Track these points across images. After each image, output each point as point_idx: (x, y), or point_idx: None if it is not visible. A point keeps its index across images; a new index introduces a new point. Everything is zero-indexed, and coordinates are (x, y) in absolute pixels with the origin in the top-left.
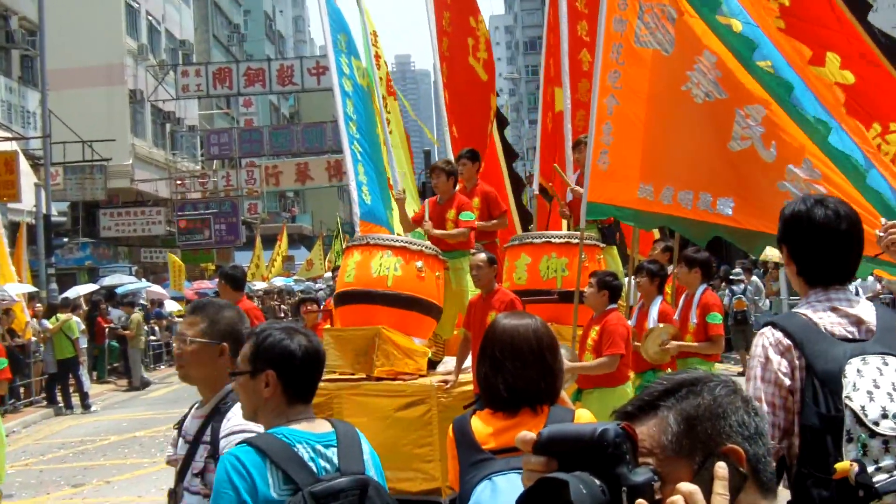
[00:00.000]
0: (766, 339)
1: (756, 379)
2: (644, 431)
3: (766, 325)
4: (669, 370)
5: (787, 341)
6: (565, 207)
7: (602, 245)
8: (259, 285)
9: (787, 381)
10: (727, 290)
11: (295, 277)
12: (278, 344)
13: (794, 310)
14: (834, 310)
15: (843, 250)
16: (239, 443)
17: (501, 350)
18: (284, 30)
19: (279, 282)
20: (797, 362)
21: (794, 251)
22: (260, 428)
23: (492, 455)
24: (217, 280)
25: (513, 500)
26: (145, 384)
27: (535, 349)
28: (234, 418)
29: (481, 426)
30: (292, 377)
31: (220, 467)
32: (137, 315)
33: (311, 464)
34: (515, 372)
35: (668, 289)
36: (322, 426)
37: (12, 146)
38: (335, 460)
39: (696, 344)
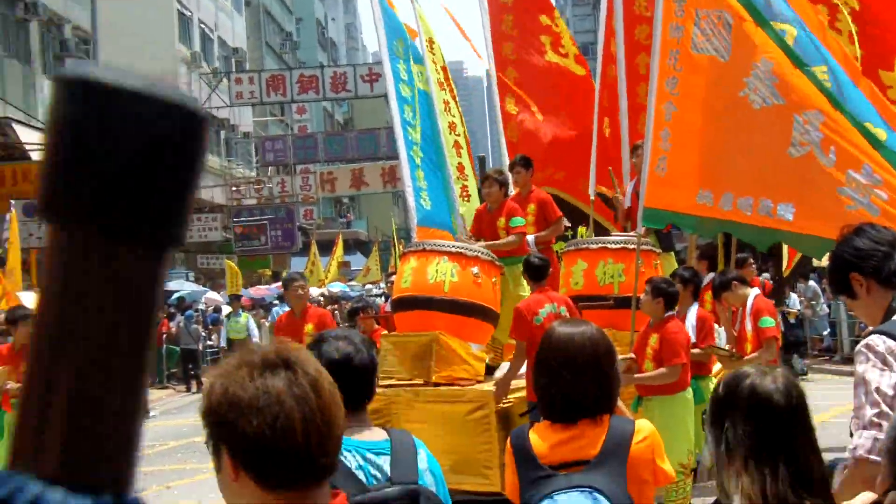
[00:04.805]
0: (882, 346)
1: (873, 384)
2: None
3: (872, 333)
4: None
5: None
6: (621, 214)
7: (658, 251)
8: (315, 291)
9: None
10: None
11: (351, 283)
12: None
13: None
14: None
15: None
16: None
17: (557, 359)
18: (336, 37)
19: (335, 287)
20: None
21: (875, 267)
22: None
23: (552, 471)
24: (283, 289)
25: None
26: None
27: (591, 357)
28: None
29: (539, 440)
30: None
31: None
32: None
33: (358, 472)
34: (572, 381)
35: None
36: (377, 434)
37: None
38: (386, 469)
39: (752, 356)
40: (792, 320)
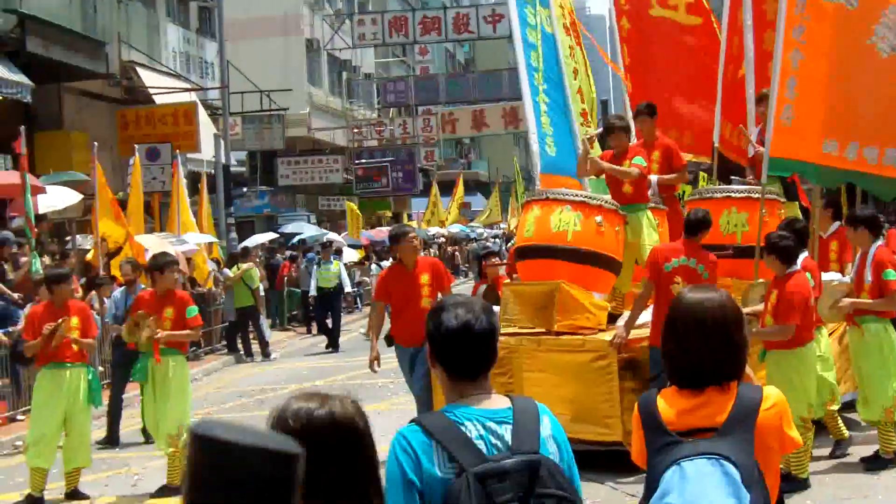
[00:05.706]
0: None
1: None
2: None
3: None
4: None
5: None
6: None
7: (783, 200)
8: (434, 231)
9: None
10: None
11: (472, 224)
12: (428, 322)
13: None
14: None
15: None
16: (409, 422)
17: (685, 325)
18: None
19: (455, 229)
20: None
21: None
22: None
23: (679, 438)
24: (394, 242)
25: (701, 487)
26: (266, 354)
27: (721, 324)
28: None
29: (666, 406)
30: (442, 353)
31: (390, 447)
32: (246, 266)
33: (478, 442)
34: (700, 347)
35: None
36: (499, 402)
37: (191, 97)
38: (507, 438)
39: (869, 301)
40: None
